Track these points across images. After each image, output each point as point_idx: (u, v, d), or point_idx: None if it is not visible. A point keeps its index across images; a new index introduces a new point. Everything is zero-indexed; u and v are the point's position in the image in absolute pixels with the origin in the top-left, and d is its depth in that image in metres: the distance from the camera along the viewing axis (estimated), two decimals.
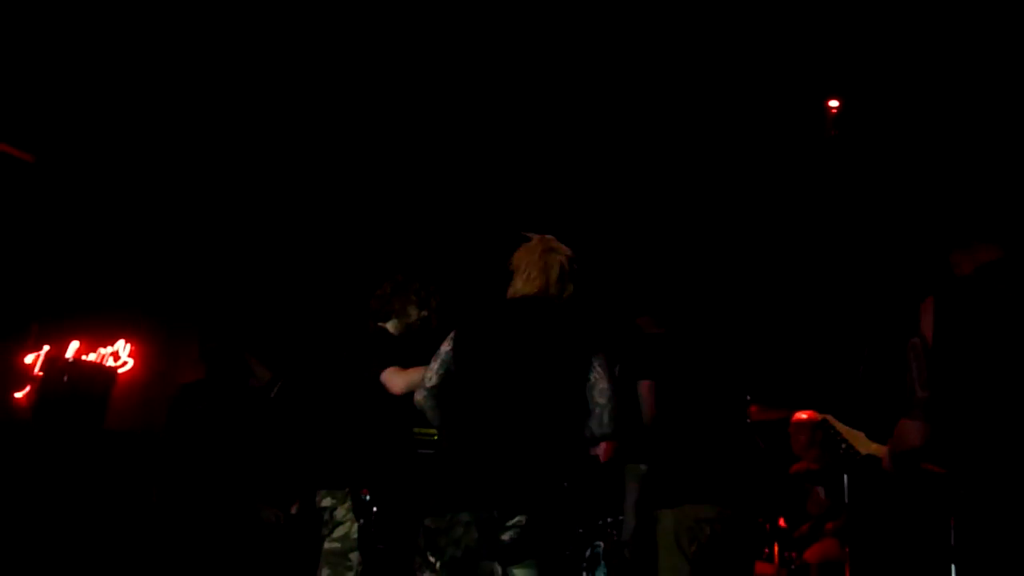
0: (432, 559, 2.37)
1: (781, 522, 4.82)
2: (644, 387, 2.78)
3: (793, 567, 4.62)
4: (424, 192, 6.15)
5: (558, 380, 2.51)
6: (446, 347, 2.67)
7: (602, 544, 4.42)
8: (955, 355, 1.92)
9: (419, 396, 2.69)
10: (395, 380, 2.94)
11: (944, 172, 4.89)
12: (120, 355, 6.37)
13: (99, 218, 6.07)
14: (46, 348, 6.05)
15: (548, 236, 2.81)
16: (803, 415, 5.08)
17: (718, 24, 4.63)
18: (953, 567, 2.39)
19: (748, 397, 4.57)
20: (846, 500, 4.18)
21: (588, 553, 4.69)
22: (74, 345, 6.15)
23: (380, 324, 3.42)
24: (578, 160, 5.77)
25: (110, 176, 5.98)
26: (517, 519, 2.31)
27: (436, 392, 2.64)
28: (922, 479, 2.10)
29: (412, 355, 3.00)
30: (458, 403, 2.57)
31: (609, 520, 4.63)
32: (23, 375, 5.98)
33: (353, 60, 5.23)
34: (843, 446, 2.76)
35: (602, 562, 4.19)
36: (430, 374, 2.65)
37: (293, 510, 4.04)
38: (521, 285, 2.69)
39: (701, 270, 5.50)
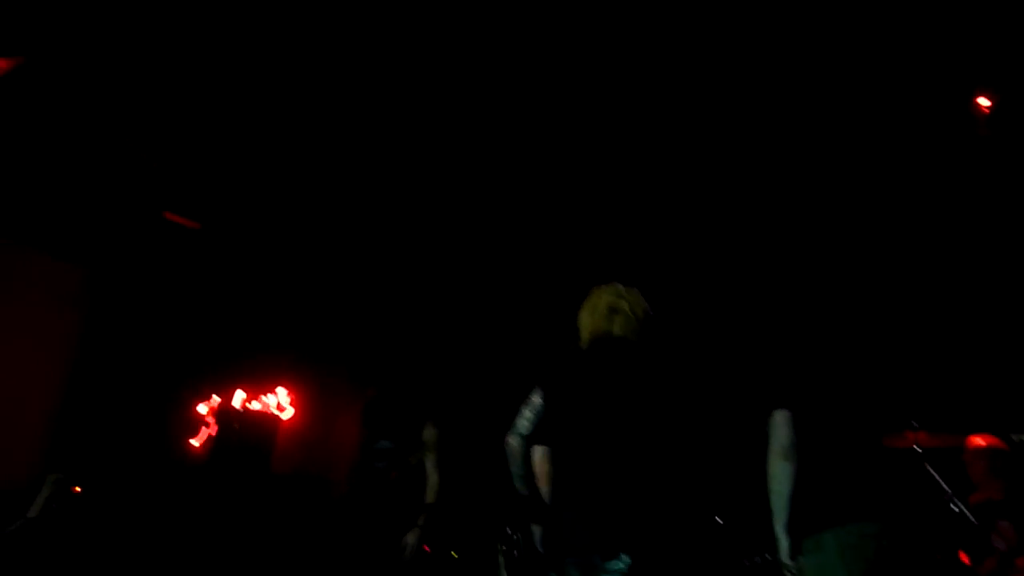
0: None
1: (963, 557, 4.40)
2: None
3: None
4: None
5: (650, 422, 2.58)
6: (536, 397, 2.82)
7: None
8: None
9: (513, 441, 2.81)
10: None
11: None
12: (282, 403, 6.80)
13: (253, 275, 6.56)
14: (215, 398, 6.55)
15: (609, 287, 2.91)
16: (980, 440, 4.65)
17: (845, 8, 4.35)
18: None
19: (914, 423, 4.24)
20: None
21: None
22: (240, 394, 6.62)
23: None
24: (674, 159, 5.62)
25: (261, 238, 6.46)
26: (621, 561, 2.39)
27: (528, 439, 2.79)
28: None
29: None
30: (559, 450, 2.68)
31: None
32: (196, 423, 6.49)
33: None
34: None
35: None
36: (524, 421, 2.80)
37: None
38: (585, 337, 2.85)
39: (843, 285, 5.19)
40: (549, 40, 4.72)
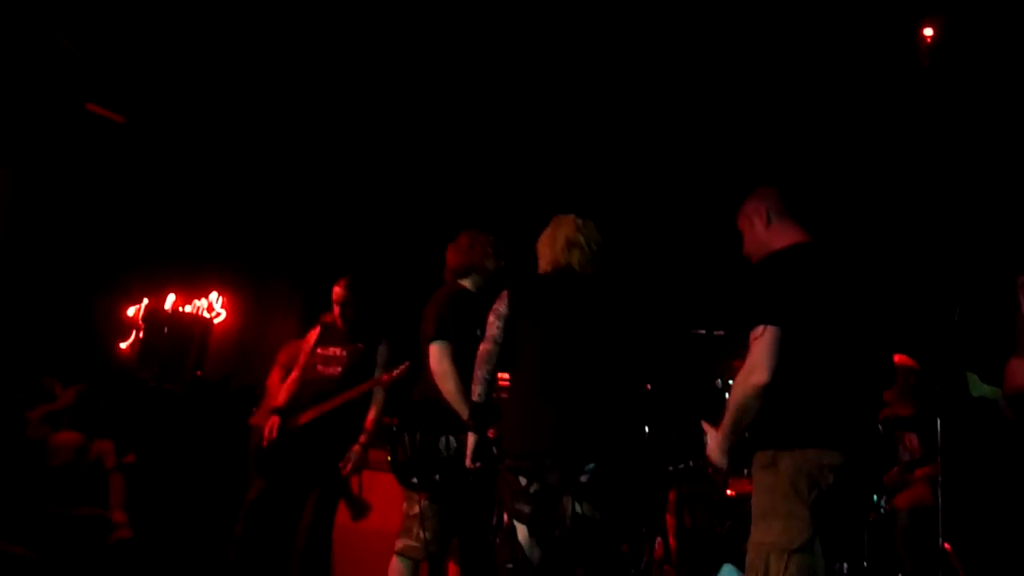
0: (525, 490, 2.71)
1: None
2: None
3: (883, 512, 4.56)
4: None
5: (611, 341, 2.86)
6: (502, 306, 2.96)
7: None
8: None
9: (492, 347, 2.93)
10: None
11: None
12: (214, 306, 6.66)
13: (187, 175, 6.28)
14: (145, 301, 6.36)
15: (567, 219, 3.08)
16: (895, 360, 4.95)
17: None
18: None
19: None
20: (939, 445, 4.07)
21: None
22: (171, 298, 6.45)
23: (460, 282, 3.48)
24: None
25: (196, 134, 6.17)
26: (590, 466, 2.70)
27: (500, 344, 2.93)
28: None
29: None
30: (524, 357, 2.89)
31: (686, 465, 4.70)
32: (126, 326, 6.31)
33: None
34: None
35: None
36: (497, 331, 2.93)
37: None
38: (543, 266, 3.03)
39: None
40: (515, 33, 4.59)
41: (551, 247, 3.04)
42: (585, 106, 5.81)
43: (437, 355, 3.26)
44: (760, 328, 2.28)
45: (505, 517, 2.79)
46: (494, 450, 3.00)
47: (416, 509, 3.20)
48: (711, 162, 5.84)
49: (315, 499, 3.90)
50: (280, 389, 4.19)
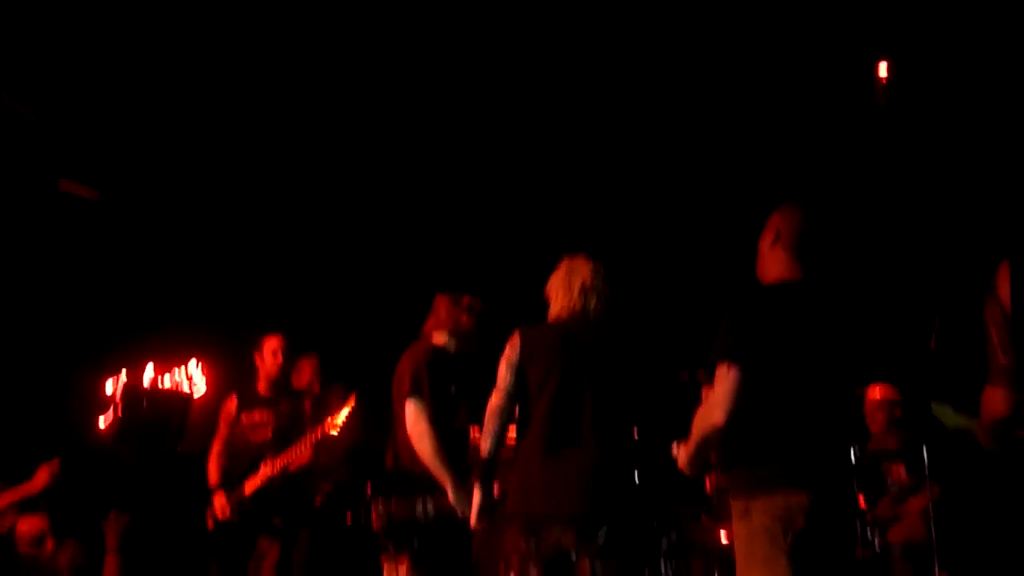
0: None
1: (860, 502, 4.72)
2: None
3: (876, 548, 4.52)
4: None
5: (624, 394, 2.85)
6: (513, 353, 2.88)
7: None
8: None
9: (503, 401, 2.87)
10: None
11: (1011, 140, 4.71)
12: (193, 378, 6.54)
13: (161, 246, 6.28)
14: (124, 375, 6.25)
15: (581, 260, 3.02)
16: (877, 393, 4.97)
17: None
18: None
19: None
20: (927, 476, 4.06)
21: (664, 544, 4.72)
22: (149, 370, 6.34)
23: (435, 340, 3.48)
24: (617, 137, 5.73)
25: (169, 206, 6.19)
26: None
27: (513, 396, 2.85)
28: (1018, 450, 1.97)
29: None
30: (535, 409, 2.81)
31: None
32: (103, 402, 6.19)
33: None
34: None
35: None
36: (510, 382, 2.85)
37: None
38: (557, 311, 2.97)
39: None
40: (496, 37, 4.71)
41: (566, 291, 2.96)
42: (560, 148, 5.89)
43: (414, 414, 3.18)
44: (724, 367, 2.28)
45: None
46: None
47: None
48: (665, 199, 5.93)
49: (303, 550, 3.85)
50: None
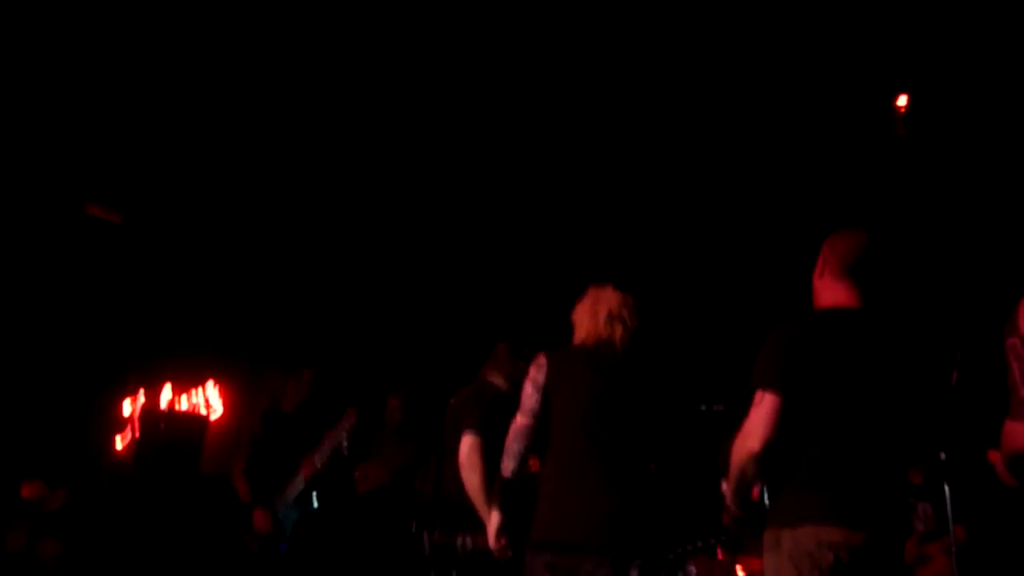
0: None
1: None
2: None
3: None
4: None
5: (650, 422, 2.84)
6: (540, 375, 2.87)
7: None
8: None
9: (526, 421, 2.85)
10: None
11: None
12: (211, 401, 6.58)
13: (181, 270, 6.36)
14: (142, 396, 6.29)
15: (608, 290, 3.03)
16: None
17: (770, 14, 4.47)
18: None
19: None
20: (950, 514, 3.97)
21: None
22: (167, 391, 6.38)
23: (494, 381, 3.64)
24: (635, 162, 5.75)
25: (189, 231, 6.28)
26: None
27: (538, 418, 2.84)
28: None
29: None
30: (563, 434, 2.80)
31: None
32: (121, 424, 6.24)
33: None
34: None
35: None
36: (533, 402, 2.84)
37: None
38: (583, 337, 2.96)
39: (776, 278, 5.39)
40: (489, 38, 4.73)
41: (592, 318, 2.97)
42: (589, 182, 5.92)
43: (469, 446, 3.27)
44: (760, 392, 2.22)
45: None
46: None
47: None
48: (678, 229, 5.93)
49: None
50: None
